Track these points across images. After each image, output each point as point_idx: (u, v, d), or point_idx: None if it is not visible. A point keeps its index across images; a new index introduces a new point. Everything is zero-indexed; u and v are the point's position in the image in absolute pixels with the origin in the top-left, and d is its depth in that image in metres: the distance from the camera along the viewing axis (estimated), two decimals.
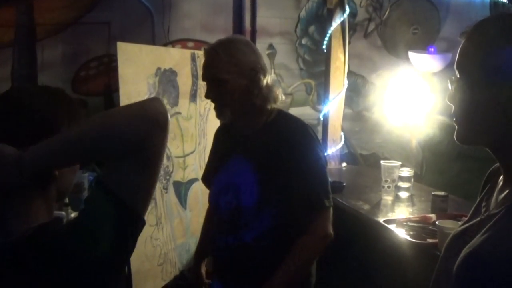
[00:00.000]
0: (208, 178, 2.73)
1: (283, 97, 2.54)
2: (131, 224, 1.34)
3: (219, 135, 2.74)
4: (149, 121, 1.29)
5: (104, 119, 1.33)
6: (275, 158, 2.37)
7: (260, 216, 2.39)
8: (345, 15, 4.68)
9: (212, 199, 2.61)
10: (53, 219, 1.40)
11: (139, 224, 1.35)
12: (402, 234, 2.95)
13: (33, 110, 1.37)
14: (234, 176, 2.47)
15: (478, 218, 1.41)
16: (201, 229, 2.88)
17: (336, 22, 4.67)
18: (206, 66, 2.45)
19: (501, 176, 1.42)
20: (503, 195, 1.37)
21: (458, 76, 1.37)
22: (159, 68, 3.77)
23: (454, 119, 1.38)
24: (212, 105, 2.50)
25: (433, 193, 3.33)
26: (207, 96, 2.46)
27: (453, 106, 1.39)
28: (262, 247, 2.40)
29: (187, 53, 4.16)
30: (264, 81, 2.44)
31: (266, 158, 2.40)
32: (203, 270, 2.77)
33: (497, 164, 1.45)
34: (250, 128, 2.49)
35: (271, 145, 2.40)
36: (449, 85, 1.39)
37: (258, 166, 2.41)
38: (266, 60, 5.24)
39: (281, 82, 5.45)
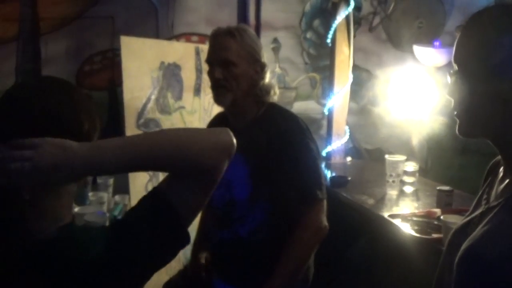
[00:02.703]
0: None
1: (277, 93, 2.54)
2: (177, 241, 1.36)
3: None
4: (224, 151, 1.37)
5: (185, 136, 1.38)
6: (267, 151, 2.37)
7: (253, 210, 2.40)
8: (350, 9, 4.66)
9: None
10: (72, 218, 1.40)
11: (185, 242, 1.38)
12: (406, 229, 2.95)
13: (42, 107, 1.34)
14: (226, 170, 2.46)
15: (479, 211, 1.41)
16: (198, 222, 2.87)
17: (340, 16, 4.65)
18: (218, 48, 2.43)
19: (502, 168, 1.42)
20: (503, 185, 1.37)
21: (457, 69, 1.36)
22: (163, 62, 3.76)
23: (455, 113, 1.38)
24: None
25: (438, 187, 3.32)
26: (212, 76, 2.42)
27: (452, 101, 1.38)
28: (256, 241, 2.41)
29: (191, 47, 4.15)
30: (267, 77, 2.46)
31: (257, 151, 2.40)
32: (202, 262, 2.75)
33: (499, 157, 1.45)
34: (242, 121, 2.48)
35: (262, 138, 2.40)
36: (448, 78, 1.39)
37: (250, 159, 2.40)
38: (270, 54, 5.25)
39: (285, 76, 5.44)
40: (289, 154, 2.37)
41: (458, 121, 1.38)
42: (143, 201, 1.35)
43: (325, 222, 2.41)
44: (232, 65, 2.38)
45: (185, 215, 1.34)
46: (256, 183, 2.39)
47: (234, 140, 1.40)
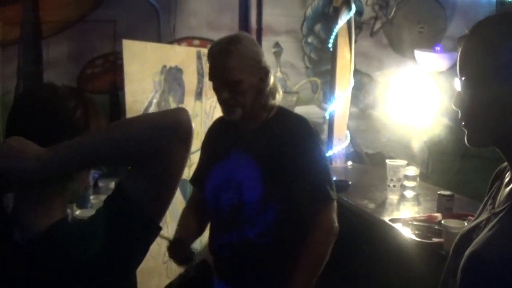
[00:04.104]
0: (199, 178, 2.66)
1: (281, 94, 2.54)
2: (145, 231, 1.36)
3: (213, 132, 2.71)
4: (168, 130, 1.30)
5: (125, 125, 1.37)
6: (278, 153, 2.37)
7: (263, 212, 2.39)
8: (351, 14, 4.68)
9: (209, 196, 2.55)
10: (66, 216, 1.42)
11: (154, 231, 1.38)
12: (407, 233, 2.95)
13: (63, 111, 1.39)
14: (235, 172, 2.46)
15: (485, 216, 1.41)
16: (181, 216, 2.70)
17: (342, 21, 4.67)
18: (218, 67, 2.40)
19: (508, 173, 1.42)
20: (508, 189, 1.38)
21: (463, 79, 1.37)
22: (164, 66, 3.76)
23: (463, 123, 1.38)
24: (217, 103, 2.49)
25: (438, 192, 3.33)
26: (219, 96, 2.41)
27: (459, 112, 1.39)
28: (265, 243, 2.40)
29: (192, 51, 4.15)
30: (272, 79, 2.46)
31: (269, 153, 2.39)
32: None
33: (505, 163, 1.45)
34: (251, 124, 2.48)
35: (273, 141, 2.40)
36: (456, 87, 1.39)
37: (261, 161, 2.40)
38: (272, 58, 5.26)
39: (287, 80, 5.44)
40: (301, 155, 2.38)
41: (466, 131, 1.38)
42: (109, 198, 1.36)
43: (336, 222, 2.42)
44: (236, 83, 2.36)
45: (148, 206, 1.32)
46: (268, 184, 2.38)
47: (188, 118, 1.34)
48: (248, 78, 2.38)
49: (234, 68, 2.36)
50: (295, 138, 2.40)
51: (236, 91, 2.37)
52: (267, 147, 2.41)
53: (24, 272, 1.29)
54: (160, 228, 1.38)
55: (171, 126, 1.31)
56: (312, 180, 2.39)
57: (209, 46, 2.52)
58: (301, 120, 2.50)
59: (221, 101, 2.42)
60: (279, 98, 2.51)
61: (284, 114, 2.52)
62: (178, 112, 1.35)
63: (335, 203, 2.44)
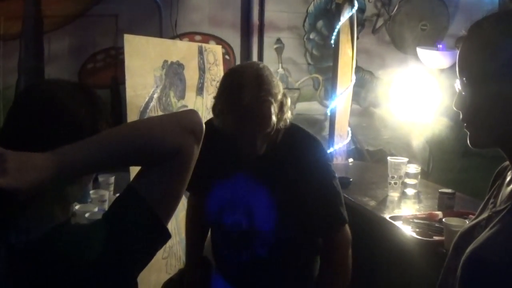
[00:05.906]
0: (197, 185, 2.16)
1: (291, 116, 2.36)
2: (156, 235, 1.35)
3: (210, 140, 2.35)
4: (186, 131, 1.31)
5: (142, 126, 1.36)
6: (291, 179, 2.29)
7: (277, 239, 2.34)
8: (354, 10, 4.67)
9: (212, 214, 2.44)
10: (68, 218, 1.40)
11: (164, 237, 1.36)
12: (408, 231, 2.94)
13: (66, 109, 1.35)
14: (242, 195, 2.36)
15: (486, 214, 1.41)
16: (187, 237, 2.77)
17: (344, 17, 4.66)
18: (256, 116, 2.18)
19: (509, 172, 1.42)
20: (509, 188, 1.37)
21: (463, 80, 1.36)
22: (166, 61, 3.76)
23: (465, 124, 1.37)
24: None
25: (440, 190, 3.32)
26: (251, 144, 2.23)
27: (461, 113, 1.38)
28: (276, 259, 2.37)
29: (194, 46, 4.15)
30: (288, 104, 2.31)
31: (282, 181, 2.31)
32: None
33: (506, 162, 1.45)
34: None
35: (284, 167, 2.31)
36: (456, 88, 1.38)
37: (274, 189, 2.32)
38: (273, 55, 5.23)
39: (288, 76, 5.43)
40: (315, 181, 2.32)
41: (469, 133, 1.37)
42: (118, 200, 1.35)
43: (350, 234, 2.41)
44: (269, 125, 2.20)
45: (159, 208, 1.31)
46: (282, 214, 2.31)
47: (201, 120, 1.36)
48: (275, 119, 2.22)
49: (270, 114, 2.19)
50: (306, 163, 2.32)
51: (267, 130, 2.22)
52: (278, 174, 2.32)
53: (21, 275, 1.27)
54: (169, 236, 1.37)
55: (190, 127, 1.32)
56: (327, 206, 2.36)
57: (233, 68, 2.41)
58: (310, 141, 2.42)
59: (250, 139, 2.24)
60: (287, 120, 2.32)
61: (293, 135, 2.39)
62: (192, 113, 1.38)
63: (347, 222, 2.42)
